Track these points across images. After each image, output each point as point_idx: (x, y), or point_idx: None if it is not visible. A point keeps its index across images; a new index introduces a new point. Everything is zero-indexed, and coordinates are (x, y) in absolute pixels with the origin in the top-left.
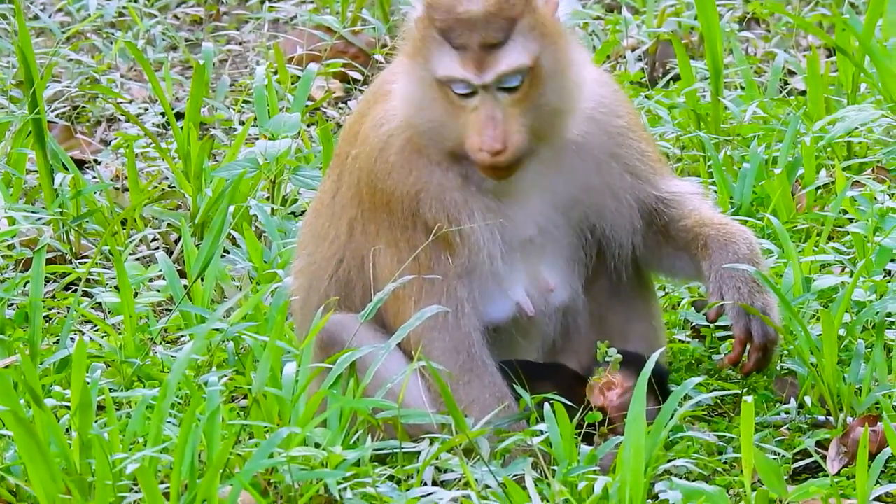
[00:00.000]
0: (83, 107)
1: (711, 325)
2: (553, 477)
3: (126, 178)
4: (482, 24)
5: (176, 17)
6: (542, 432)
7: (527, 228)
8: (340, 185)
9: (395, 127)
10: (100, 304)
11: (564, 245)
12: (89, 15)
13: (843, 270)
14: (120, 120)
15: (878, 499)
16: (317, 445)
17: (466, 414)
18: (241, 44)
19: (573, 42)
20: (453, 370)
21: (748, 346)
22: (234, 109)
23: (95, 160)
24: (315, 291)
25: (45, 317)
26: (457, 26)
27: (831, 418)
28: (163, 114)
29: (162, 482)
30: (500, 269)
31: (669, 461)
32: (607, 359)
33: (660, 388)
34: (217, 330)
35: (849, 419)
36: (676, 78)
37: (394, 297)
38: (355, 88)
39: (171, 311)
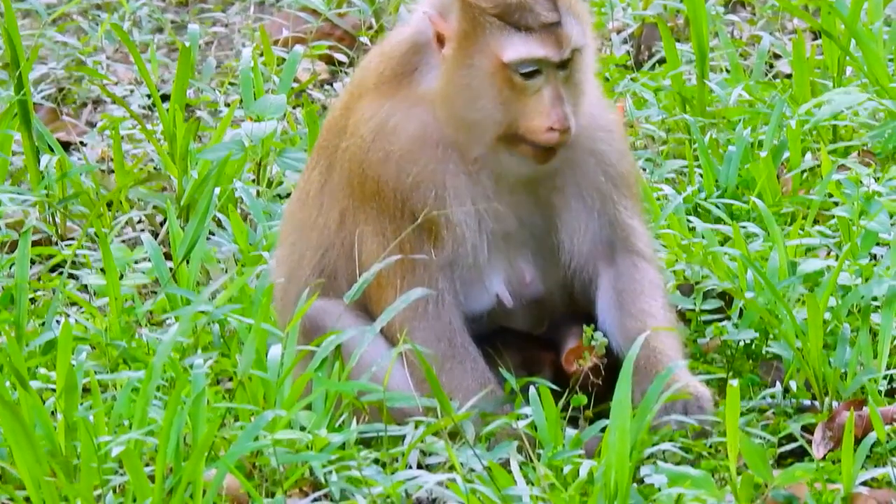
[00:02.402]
0: (69, 89)
1: (697, 309)
2: (538, 460)
3: (112, 160)
4: (533, 4)
5: None
6: (527, 416)
7: (510, 222)
8: (330, 176)
9: (400, 118)
10: (85, 286)
11: (540, 240)
12: None
13: (828, 254)
14: (106, 102)
15: (863, 483)
16: (302, 428)
17: (450, 399)
18: (226, 26)
19: (590, 20)
20: (435, 358)
21: None
22: (219, 91)
23: (81, 142)
24: (297, 280)
25: (31, 299)
26: (513, 10)
27: (817, 403)
28: (149, 96)
29: (147, 465)
30: (481, 261)
31: (655, 445)
32: (593, 342)
33: None
34: (202, 312)
35: (834, 403)
36: (662, 61)
37: (377, 284)
38: (341, 71)
39: (156, 293)
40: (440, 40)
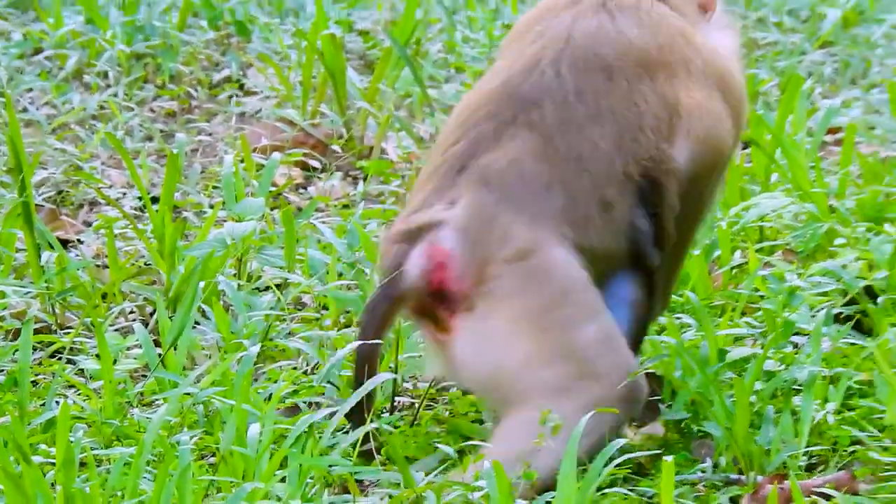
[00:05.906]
0: (68, 191)
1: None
2: None
3: (106, 256)
4: None
5: (152, 110)
6: (482, 488)
7: None
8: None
9: None
10: (82, 370)
11: None
12: (73, 108)
13: (754, 343)
14: (101, 203)
15: None
16: (278, 499)
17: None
18: (210, 135)
19: None
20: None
21: None
22: (204, 194)
23: (78, 240)
24: None
25: (33, 382)
26: None
27: (743, 476)
28: (140, 198)
29: None
30: None
31: None
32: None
33: None
34: (188, 394)
35: (759, 478)
36: None
37: None
38: (314, 175)
39: (146, 376)
40: None
